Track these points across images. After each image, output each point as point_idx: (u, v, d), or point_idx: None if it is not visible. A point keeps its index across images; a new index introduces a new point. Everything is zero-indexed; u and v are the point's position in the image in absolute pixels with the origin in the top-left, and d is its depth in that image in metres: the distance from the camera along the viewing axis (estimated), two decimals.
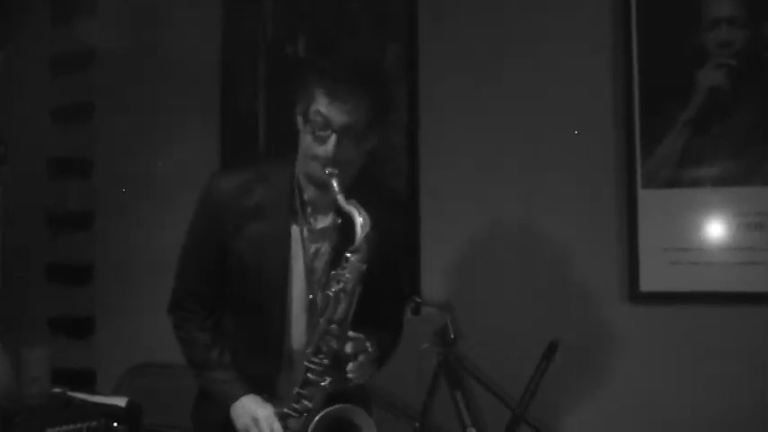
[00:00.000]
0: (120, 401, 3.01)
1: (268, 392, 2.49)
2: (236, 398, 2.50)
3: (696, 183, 3.28)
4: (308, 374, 2.38)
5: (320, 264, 2.50)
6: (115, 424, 2.95)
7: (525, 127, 3.52)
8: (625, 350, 3.36)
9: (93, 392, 3.39)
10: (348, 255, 2.34)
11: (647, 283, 3.31)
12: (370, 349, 2.40)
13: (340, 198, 2.33)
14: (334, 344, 2.36)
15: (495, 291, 3.50)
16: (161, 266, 4.15)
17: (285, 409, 2.41)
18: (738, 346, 3.21)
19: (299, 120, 2.49)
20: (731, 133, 3.24)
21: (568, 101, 3.45)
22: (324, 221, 2.52)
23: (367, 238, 2.31)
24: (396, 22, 3.76)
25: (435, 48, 3.70)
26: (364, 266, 2.33)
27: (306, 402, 2.38)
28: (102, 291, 4.37)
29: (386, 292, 2.57)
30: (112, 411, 2.98)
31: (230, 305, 2.65)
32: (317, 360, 2.37)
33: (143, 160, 4.29)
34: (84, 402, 3.02)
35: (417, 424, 3.24)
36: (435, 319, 3.22)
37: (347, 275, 2.33)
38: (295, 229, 2.51)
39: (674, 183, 3.30)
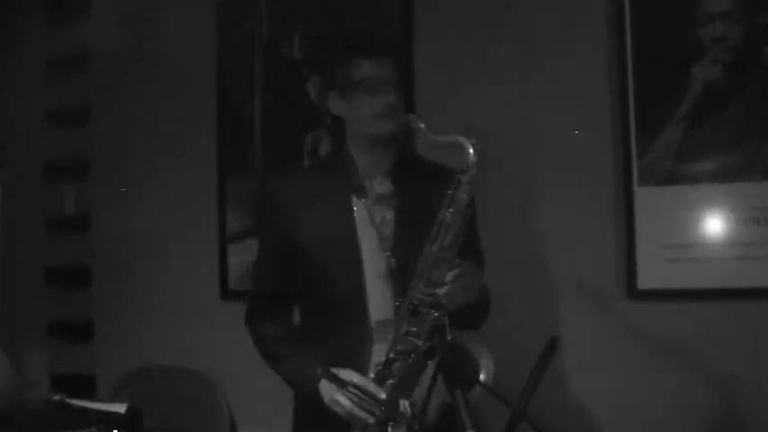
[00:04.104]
0: (120, 408, 3.00)
1: (359, 367, 2.51)
2: (319, 378, 2.51)
3: (692, 179, 3.27)
4: (423, 309, 2.44)
5: (388, 230, 2.59)
6: (115, 431, 2.94)
7: (520, 124, 3.52)
8: (623, 347, 3.36)
9: (93, 398, 3.39)
10: (459, 177, 2.46)
11: (644, 281, 3.31)
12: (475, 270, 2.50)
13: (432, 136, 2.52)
14: (444, 269, 2.43)
15: (493, 289, 3.49)
16: (160, 269, 4.19)
17: (391, 354, 2.45)
18: (737, 341, 3.21)
19: (335, 100, 2.66)
20: (727, 129, 3.23)
21: (562, 98, 3.45)
22: (382, 188, 2.64)
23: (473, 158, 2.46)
24: (392, 23, 3.75)
25: (430, 48, 3.69)
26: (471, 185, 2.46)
27: (413, 339, 2.43)
28: (101, 294, 4.37)
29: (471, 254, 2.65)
30: (112, 418, 2.97)
31: (309, 293, 2.71)
32: (426, 290, 2.44)
33: (140, 163, 4.29)
34: (84, 409, 3.01)
35: (417, 426, 3.23)
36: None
37: (462, 195, 2.46)
38: (357, 202, 2.62)
39: (670, 179, 3.29)
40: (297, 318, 2.83)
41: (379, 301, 2.57)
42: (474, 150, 2.47)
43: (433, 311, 2.44)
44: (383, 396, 2.44)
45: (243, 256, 4.01)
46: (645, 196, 3.32)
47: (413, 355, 2.41)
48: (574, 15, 3.47)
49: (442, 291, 2.43)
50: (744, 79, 3.23)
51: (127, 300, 4.27)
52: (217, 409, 3.96)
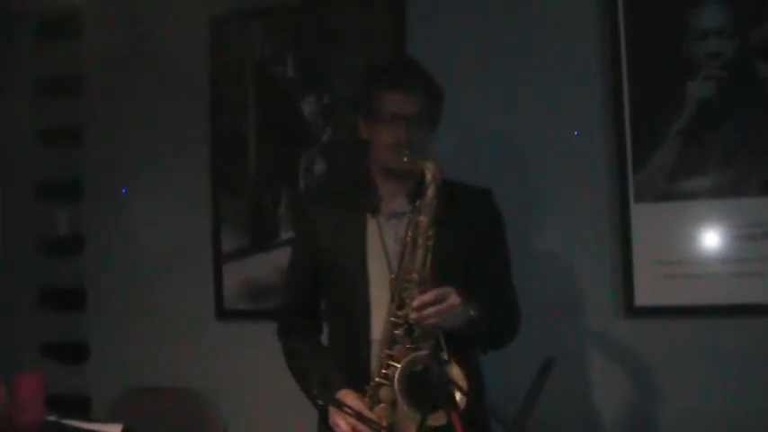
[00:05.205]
0: (116, 428, 2.98)
1: (365, 376, 2.53)
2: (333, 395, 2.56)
3: (688, 195, 3.27)
4: (395, 331, 2.46)
5: (398, 246, 2.60)
6: None
7: (514, 142, 3.52)
8: (621, 364, 3.35)
9: (88, 419, 3.36)
10: (417, 203, 2.50)
11: (641, 298, 3.31)
12: (451, 298, 2.44)
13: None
14: (416, 293, 2.43)
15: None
16: (154, 289, 4.17)
17: (377, 379, 2.47)
18: (734, 358, 3.20)
19: (361, 123, 2.73)
20: (722, 145, 3.24)
21: (557, 115, 3.45)
22: (397, 206, 2.68)
23: (435, 179, 2.47)
24: (383, 40, 3.75)
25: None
26: (436, 203, 2.46)
27: (394, 363, 2.44)
28: (96, 316, 4.35)
29: (488, 275, 2.73)
30: None
31: (326, 303, 2.82)
32: (401, 314, 2.46)
33: (133, 183, 4.27)
34: (79, 429, 2.99)
35: None
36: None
37: (421, 218, 2.46)
38: (371, 220, 2.67)
39: (666, 196, 3.29)
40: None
41: (383, 315, 2.57)
42: (431, 174, 2.49)
43: (406, 335, 2.46)
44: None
45: (238, 275, 4.01)
46: (641, 212, 3.31)
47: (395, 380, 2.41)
48: (568, 32, 3.47)
49: (412, 314, 2.43)
50: (738, 95, 3.23)
51: (121, 320, 4.24)
52: (212, 429, 3.94)
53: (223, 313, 4.06)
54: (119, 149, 4.32)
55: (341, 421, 2.49)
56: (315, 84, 3.90)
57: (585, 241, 3.41)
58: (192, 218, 4.13)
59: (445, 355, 2.45)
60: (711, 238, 3.27)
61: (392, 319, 2.48)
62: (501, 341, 2.79)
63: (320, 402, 2.61)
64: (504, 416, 2.47)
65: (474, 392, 2.50)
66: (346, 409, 2.41)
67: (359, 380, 2.54)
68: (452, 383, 2.30)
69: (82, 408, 4.22)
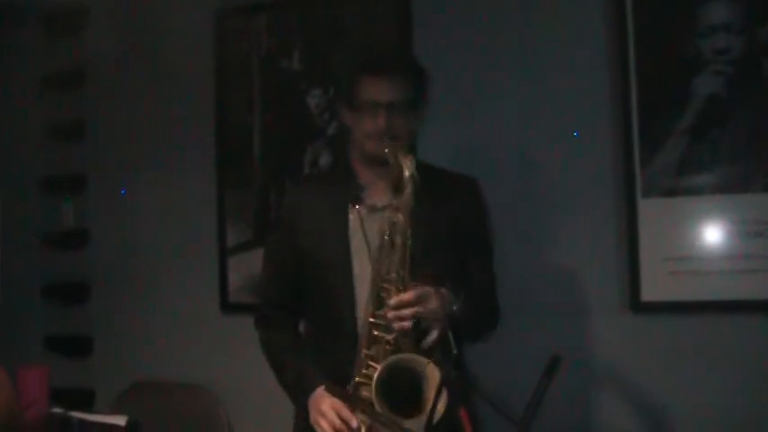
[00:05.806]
0: (120, 420, 2.99)
1: (350, 371, 2.49)
2: (310, 391, 2.54)
3: (695, 191, 3.26)
4: (374, 332, 2.43)
5: (379, 240, 2.55)
6: None
7: (521, 137, 3.51)
8: (627, 360, 3.34)
9: (93, 412, 3.37)
10: (395, 202, 2.46)
11: (648, 293, 3.29)
12: (431, 301, 2.42)
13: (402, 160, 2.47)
14: (394, 293, 2.41)
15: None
16: (159, 283, 4.17)
17: (357, 379, 2.43)
18: (740, 354, 3.19)
19: (343, 110, 2.70)
20: (729, 140, 3.22)
21: (565, 111, 3.44)
22: (381, 201, 2.62)
23: (413, 177, 2.42)
24: (389, 36, 3.74)
25: (428, 63, 3.68)
26: (413, 202, 2.42)
27: (373, 364, 2.41)
28: (100, 309, 4.35)
29: (473, 263, 2.71)
30: (112, 430, 2.96)
31: (308, 300, 2.75)
32: (379, 314, 2.42)
33: (138, 176, 4.27)
34: (84, 422, 2.99)
35: None
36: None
37: (399, 216, 2.42)
38: (354, 212, 2.62)
39: (673, 191, 3.28)
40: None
41: (366, 310, 2.54)
42: (409, 172, 2.45)
43: (385, 336, 2.43)
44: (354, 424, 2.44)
45: (243, 269, 4.01)
46: (648, 208, 3.30)
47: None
48: (575, 28, 3.46)
49: (390, 314, 2.40)
50: (745, 91, 3.22)
51: (126, 314, 4.25)
52: (217, 422, 3.95)
53: (227, 306, 4.06)
54: (123, 143, 4.33)
55: (322, 421, 2.46)
56: (320, 77, 3.89)
57: (592, 236, 3.40)
58: (196, 211, 4.13)
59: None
60: (718, 234, 3.25)
61: (371, 319, 2.45)
62: (482, 332, 2.80)
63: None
64: (511, 413, 2.47)
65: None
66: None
67: (343, 374, 2.50)
68: (465, 381, 2.29)
69: (86, 401, 4.23)
